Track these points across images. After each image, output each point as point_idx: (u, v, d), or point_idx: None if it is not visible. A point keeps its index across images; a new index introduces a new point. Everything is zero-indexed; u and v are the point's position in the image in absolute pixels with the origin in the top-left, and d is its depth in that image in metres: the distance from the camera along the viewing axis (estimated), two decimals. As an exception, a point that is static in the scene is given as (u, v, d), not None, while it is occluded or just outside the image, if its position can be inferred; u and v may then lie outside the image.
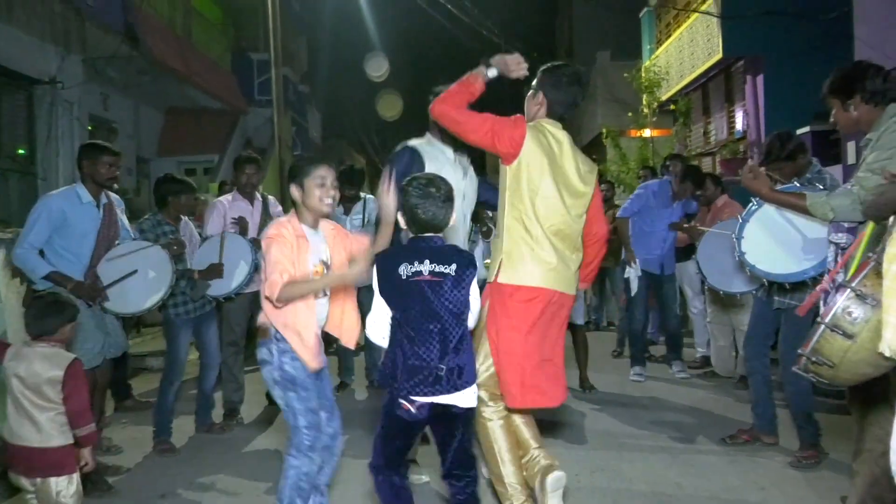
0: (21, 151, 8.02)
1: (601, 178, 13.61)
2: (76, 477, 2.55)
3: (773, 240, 3.22)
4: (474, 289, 2.36)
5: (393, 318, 2.35)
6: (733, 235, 3.33)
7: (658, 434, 4.11)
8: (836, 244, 2.72)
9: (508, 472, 2.74)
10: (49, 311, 2.64)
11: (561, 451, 3.82)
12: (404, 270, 2.29)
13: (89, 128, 8.99)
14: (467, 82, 2.82)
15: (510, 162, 2.75)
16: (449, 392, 2.29)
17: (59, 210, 3.44)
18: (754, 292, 3.79)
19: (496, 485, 2.80)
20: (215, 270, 4.02)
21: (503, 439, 2.76)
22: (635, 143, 13.54)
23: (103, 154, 3.57)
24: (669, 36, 12.46)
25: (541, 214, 2.72)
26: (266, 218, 4.71)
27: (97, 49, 8.69)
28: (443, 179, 2.39)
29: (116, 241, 3.62)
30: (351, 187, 5.28)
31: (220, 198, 4.84)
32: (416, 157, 3.04)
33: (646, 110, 13.09)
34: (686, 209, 5.50)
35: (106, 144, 3.70)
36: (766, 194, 3.03)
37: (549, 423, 4.35)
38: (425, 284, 2.27)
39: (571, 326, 5.22)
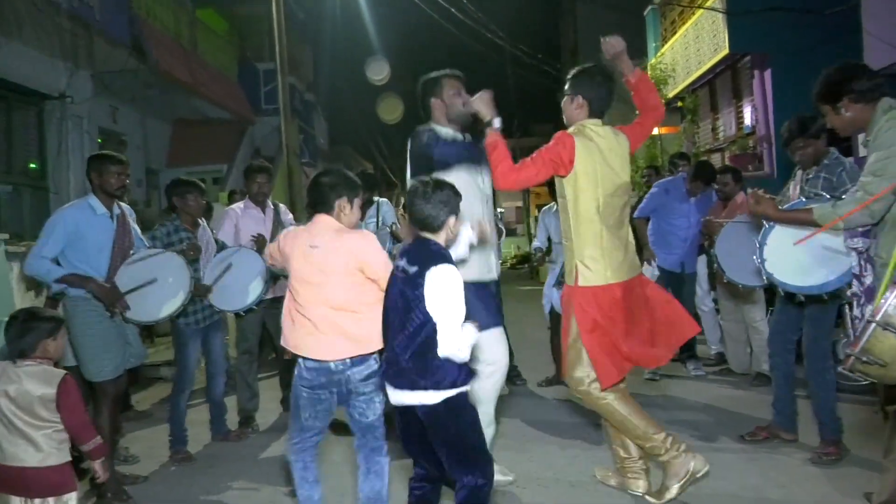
0: (32, 166, 8.10)
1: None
2: (74, 496, 2.52)
3: (795, 250, 3.13)
4: (439, 293, 2.24)
5: None
6: (756, 241, 3.27)
7: (675, 433, 4.06)
8: (856, 249, 2.70)
9: (644, 430, 3.00)
10: (25, 328, 2.55)
11: (577, 451, 3.81)
12: (396, 264, 2.40)
13: (99, 141, 9.07)
14: (496, 144, 2.98)
15: (567, 173, 2.97)
16: (410, 389, 2.29)
17: (73, 223, 3.43)
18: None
19: (645, 444, 3.03)
20: (202, 291, 3.95)
21: (625, 408, 3.02)
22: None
23: (110, 163, 3.54)
24: (675, 33, 12.42)
25: (604, 213, 2.96)
26: (278, 226, 4.72)
27: (105, 63, 8.77)
28: (447, 184, 2.42)
29: (131, 252, 3.62)
30: (367, 190, 5.26)
31: (233, 206, 4.86)
32: (437, 136, 3.22)
33: (653, 108, 13.04)
34: (706, 207, 5.43)
35: (112, 153, 3.69)
36: (773, 216, 3.04)
37: (566, 423, 4.33)
38: (397, 280, 2.36)
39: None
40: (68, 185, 8.08)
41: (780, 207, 3.07)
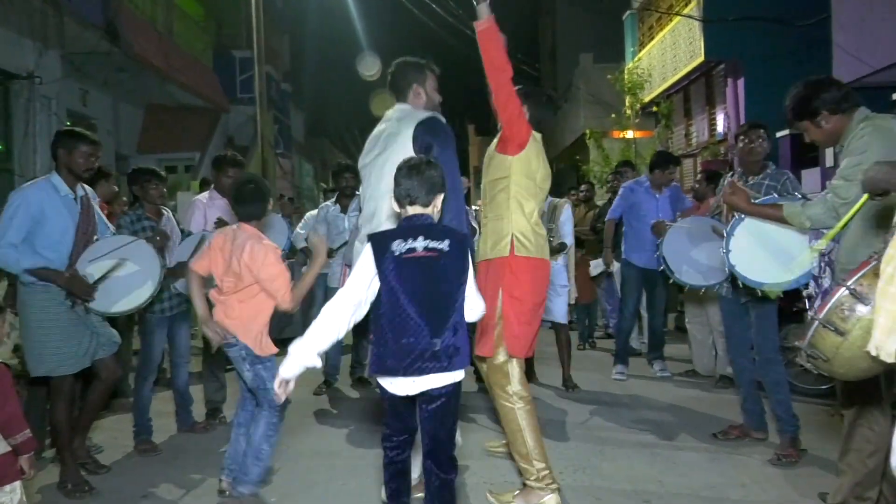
0: (-3, 147, 7.90)
1: (584, 178, 13.64)
2: (18, 485, 2.41)
3: (761, 249, 3.22)
4: (471, 279, 2.36)
5: (383, 299, 2.32)
6: (721, 250, 3.33)
7: (640, 432, 4.14)
8: (820, 250, 2.77)
9: (534, 452, 2.99)
10: None
11: (544, 449, 3.85)
12: (398, 247, 2.29)
13: (67, 123, 8.85)
14: (492, 29, 2.96)
15: (517, 152, 3.10)
16: (444, 371, 2.29)
17: (37, 203, 3.23)
18: (718, 287, 3.84)
19: (521, 463, 3.04)
20: (179, 271, 3.87)
21: (528, 421, 3.01)
22: (618, 143, 13.65)
23: (80, 142, 3.33)
24: (652, 39, 12.57)
25: (537, 198, 3.16)
26: None
27: (76, 44, 8.56)
28: (430, 163, 2.42)
29: (95, 237, 3.46)
30: (355, 182, 5.10)
31: (199, 196, 4.79)
32: None
33: (628, 112, 13.20)
34: (678, 206, 5.53)
35: (84, 132, 3.46)
36: (745, 208, 3.16)
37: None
38: (420, 261, 2.29)
39: (555, 325, 5.28)
40: (34, 167, 7.88)
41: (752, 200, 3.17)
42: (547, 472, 2.99)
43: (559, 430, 4.20)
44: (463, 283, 2.34)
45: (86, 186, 3.53)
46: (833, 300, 1.96)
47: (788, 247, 3.11)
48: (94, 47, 8.64)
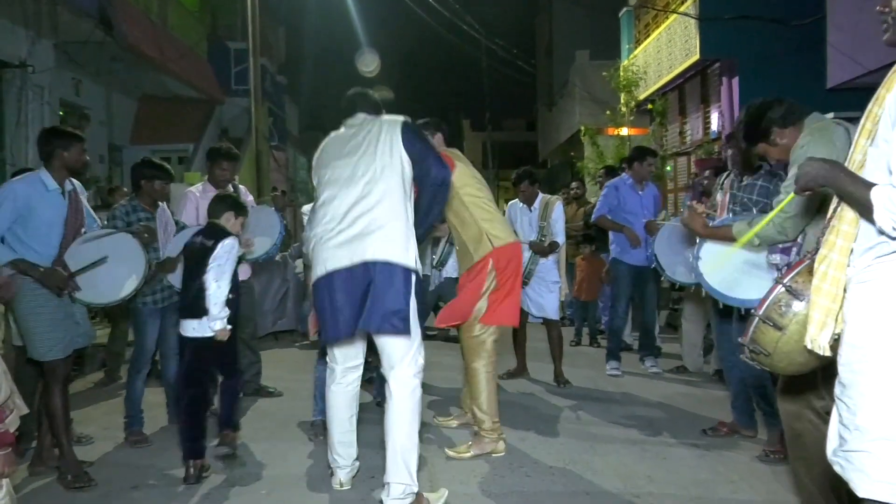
0: (-11, 136, 7.84)
1: (578, 174, 13.60)
2: (5, 482, 2.32)
3: (732, 262, 3.18)
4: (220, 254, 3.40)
5: None
6: (691, 257, 3.33)
7: (630, 428, 4.17)
8: (775, 264, 2.80)
9: (488, 403, 3.68)
10: None
11: (534, 444, 3.87)
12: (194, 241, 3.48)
13: (60, 113, 8.81)
14: None
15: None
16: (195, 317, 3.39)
17: (24, 198, 3.29)
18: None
19: (478, 412, 3.68)
20: (168, 265, 3.91)
21: (491, 385, 3.71)
22: (613, 141, 13.68)
23: (79, 141, 3.47)
24: (648, 36, 12.57)
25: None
26: None
27: (69, 33, 8.50)
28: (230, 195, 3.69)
29: (83, 230, 3.52)
30: None
31: (192, 188, 4.76)
32: None
33: (623, 109, 13.21)
34: (658, 203, 5.58)
35: (74, 131, 3.57)
36: (700, 232, 3.20)
37: (523, 417, 4.39)
38: (197, 247, 3.44)
39: (546, 322, 5.30)
40: (26, 157, 7.83)
41: (709, 224, 3.21)
42: (498, 423, 3.68)
43: (550, 426, 4.22)
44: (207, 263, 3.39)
45: (73, 180, 3.58)
46: (771, 297, 2.05)
47: (755, 260, 3.08)
48: (87, 37, 8.57)
